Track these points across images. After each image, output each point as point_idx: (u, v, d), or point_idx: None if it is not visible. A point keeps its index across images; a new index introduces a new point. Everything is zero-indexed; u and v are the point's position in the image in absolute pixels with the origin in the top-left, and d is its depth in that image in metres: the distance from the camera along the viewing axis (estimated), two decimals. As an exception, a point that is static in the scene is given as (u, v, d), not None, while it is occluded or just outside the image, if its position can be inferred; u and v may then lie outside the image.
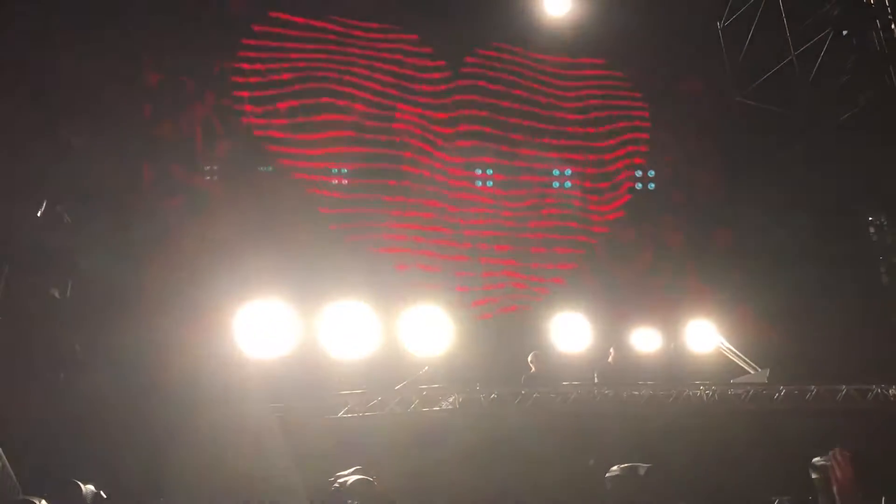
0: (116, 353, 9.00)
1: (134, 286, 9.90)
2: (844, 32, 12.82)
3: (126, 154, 11.28)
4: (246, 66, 13.03)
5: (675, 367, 12.27)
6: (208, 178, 12.42)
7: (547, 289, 13.38)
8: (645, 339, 12.91)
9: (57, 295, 9.09)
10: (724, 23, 14.13)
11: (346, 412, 9.14)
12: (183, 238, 11.55)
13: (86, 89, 10.77)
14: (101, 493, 6.49)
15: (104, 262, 9.70)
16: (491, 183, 14.30)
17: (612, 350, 11.34)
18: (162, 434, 8.13)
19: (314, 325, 11.44)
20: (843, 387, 9.84)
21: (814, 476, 7.04)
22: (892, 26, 12.38)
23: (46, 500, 5.51)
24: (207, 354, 9.64)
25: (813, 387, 9.80)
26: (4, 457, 7.19)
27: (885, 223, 14.72)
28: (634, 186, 15.02)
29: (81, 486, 6.36)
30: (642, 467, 7.21)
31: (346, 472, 7.49)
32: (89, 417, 8.13)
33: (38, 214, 8.96)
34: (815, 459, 7.11)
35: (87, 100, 10.77)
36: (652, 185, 15.12)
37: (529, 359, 10.71)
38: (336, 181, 13.27)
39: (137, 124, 11.84)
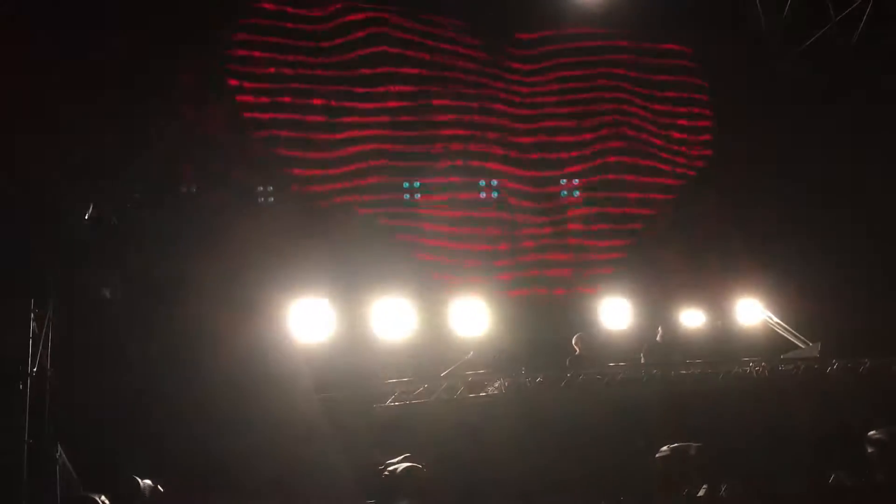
0: (168, 347, 9.18)
1: (183, 282, 10.06)
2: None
3: (169, 150, 11.42)
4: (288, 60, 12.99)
5: (723, 345, 12.11)
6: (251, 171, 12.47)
7: (595, 286, 13.14)
8: (691, 318, 12.75)
9: (108, 294, 9.30)
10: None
11: (393, 400, 9.22)
12: (229, 232, 11.70)
13: (123, 87, 10.91)
14: (159, 486, 6.67)
15: (152, 259, 9.90)
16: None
17: (659, 329, 11.24)
18: (215, 426, 8.29)
19: (360, 319, 11.53)
20: (897, 360, 9.64)
21: (870, 450, 6.95)
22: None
23: (106, 496, 5.67)
24: (257, 345, 9.76)
25: (867, 360, 9.62)
26: (65, 454, 7.41)
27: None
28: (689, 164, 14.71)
29: (140, 480, 6.54)
30: (693, 447, 7.19)
31: (395, 460, 7.59)
32: (145, 413, 8.32)
33: (86, 217, 9.15)
34: (871, 433, 7.01)
35: (126, 97, 10.90)
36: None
37: (574, 341, 10.67)
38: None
39: (179, 119, 11.95)
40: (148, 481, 6.33)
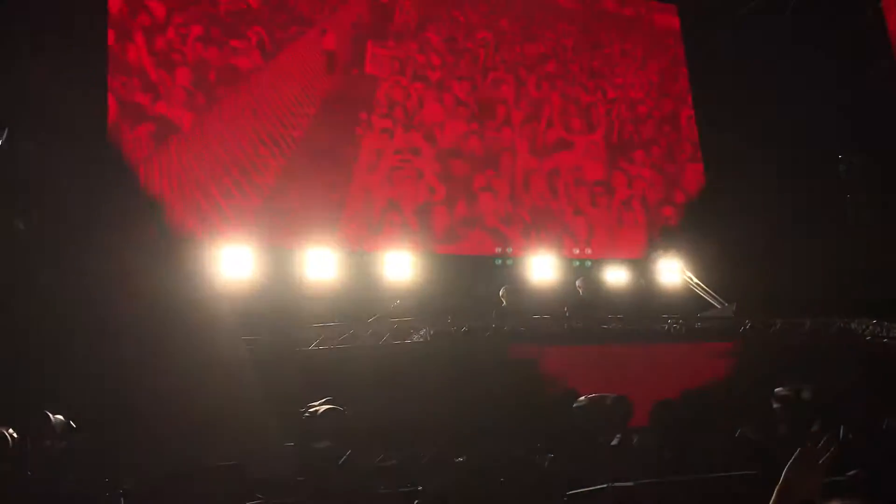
0: (83, 284, 8.88)
1: (100, 217, 9.73)
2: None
3: (90, 83, 10.96)
4: None
5: (644, 302, 12.42)
6: (175, 106, 12.06)
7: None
8: (614, 274, 13.06)
9: (21, 226, 8.92)
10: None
11: (318, 345, 9.17)
12: (150, 168, 11.36)
13: (47, 15, 10.40)
14: (71, 422, 6.48)
15: (68, 192, 9.51)
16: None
17: (578, 283, 11.42)
18: (131, 366, 8.10)
19: (285, 264, 11.45)
20: (807, 320, 10.05)
21: (775, 406, 7.23)
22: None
23: (14, 429, 5.49)
24: (177, 287, 9.55)
25: (777, 321, 10.00)
26: (-29, 388, 7.14)
27: (854, 161, 14.81)
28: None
29: (50, 415, 6.33)
30: (609, 397, 7.36)
31: (316, 403, 7.55)
32: (57, 348, 8.07)
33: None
34: (778, 389, 7.29)
35: (49, 26, 10.40)
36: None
37: (501, 293, 10.77)
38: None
39: (103, 53, 11.47)
40: (60, 416, 6.13)
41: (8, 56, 9.66)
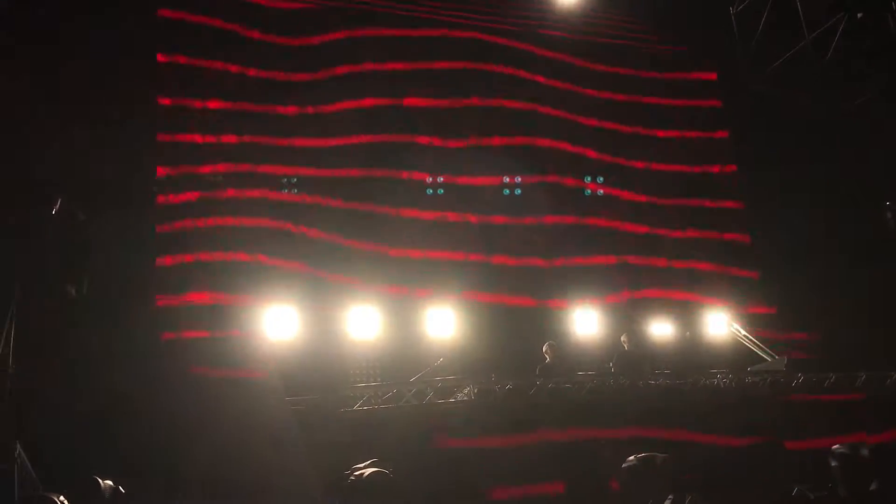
0: (135, 347, 9.05)
1: (150, 281, 9.95)
2: (859, 15, 12.67)
3: (138, 149, 11.31)
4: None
5: (691, 356, 12.21)
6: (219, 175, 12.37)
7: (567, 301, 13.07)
8: (661, 328, 12.87)
9: (74, 292, 9.14)
10: (737, 8, 14.00)
11: (362, 405, 9.17)
12: (196, 233, 11.61)
13: (95, 84, 10.80)
14: (120, 488, 6.53)
15: (119, 257, 9.76)
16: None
17: (623, 338, 11.28)
18: (180, 429, 8.17)
19: (330, 325, 11.55)
20: (862, 373, 9.76)
21: (833, 464, 7.00)
22: (908, 7, 12.24)
23: (65, 497, 5.54)
24: (227, 349, 9.68)
25: (832, 374, 9.73)
26: (24, 453, 7.26)
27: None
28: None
29: (100, 481, 6.40)
30: (659, 457, 7.19)
31: (361, 465, 7.51)
32: (108, 413, 8.18)
33: (53, 212, 8.99)
34: (835, 447, 7.07)
35: (97, 96, 10.79)
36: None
37: (544, 349, 10.69)
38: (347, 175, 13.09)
39: (149, 119, 11.85)
40: (109, 482, 6.18)
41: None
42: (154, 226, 10.91)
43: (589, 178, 14.40)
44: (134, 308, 9.52)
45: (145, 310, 9.57)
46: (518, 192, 13.91)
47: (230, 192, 12.13)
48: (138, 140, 11.04)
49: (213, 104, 12.43)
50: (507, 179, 13.91)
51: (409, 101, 13.56)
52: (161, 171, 11.65)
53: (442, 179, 13.61)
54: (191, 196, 11.87)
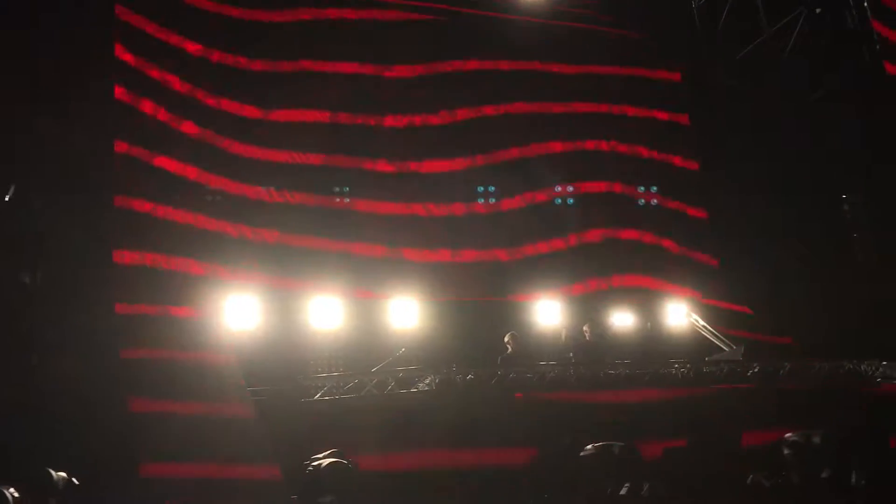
0: (88, 337, 8.88)
1: (105, 271, 9.76)
2: (818, 10, 12.86)
3: (97, 136, 11.08)
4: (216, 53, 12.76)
5: (650, 346, 12.33)
6: (182, 159, 12.17)
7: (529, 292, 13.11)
8: (621, 319, 12.99)
9: (27, 280, 8.95)
10: (698, 2, 14.13)
11: (323, 395, 9.12)
12: (157, 221, 11.44)
13: (54, 71, 10.57)
14: (73, 479, 6.44)
15: (74, 246, 9.56)
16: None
17: (585, 328, 11.35)
18: (135, 419, 8.07)
19: (290, 314, 11.46)
20: (816, 363, 9.94)
21: (786, 452, 7.16)
22: (865, 4, 12.42)
23: (15, 488, 5.45)
24: (182, 339, 9.55)
25: (786, 364, 9.89)
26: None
27: (859, 201, 14.82)
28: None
29: (53, 472, 6.30)
30: (617, 446, 7.30)
31: (321, 455, 7.50)
32: (61, 403, 8.04)
33: (6, 199, 8.81)
34: (788, 435, 7.22)
35: (56, 82, 10.56)
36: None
37: (506, 339, 10.72)
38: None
39: (109, 106, 11.62)
40: (62, 473, 6.10)
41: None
42: (112, 219, 10.67)
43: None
44: (89, 298, 9.32)
45: (101, 300, 9.38)
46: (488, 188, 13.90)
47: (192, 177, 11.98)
48: (97, 128, 10.81)
49: (173, 81, 12.25)
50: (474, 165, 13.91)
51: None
52: (120, 147, 11.40)
53: (407, 168, 13.54)
54: (149, 189, 11.67)
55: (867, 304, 12.54)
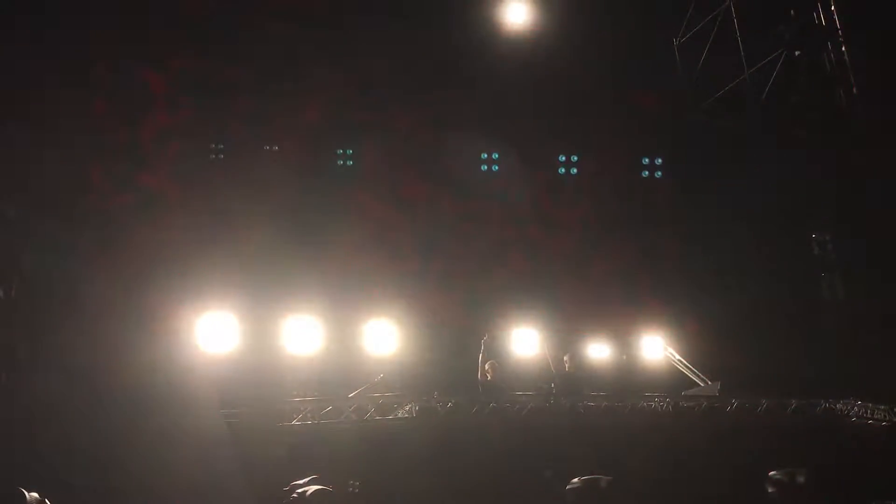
0: (62, 355, 8.63)
1: (81, 287, 9.53)
2: (797, 53, 13.11)
3: (74, 151, 10.90)
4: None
5: (627, 378, 12.35)
6: (159, 176, 12.00)
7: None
8: (598, 350, 12.98)
9: (1, 295, 8.70)
10: (680, 39, 14.33)
11: (300, 420, 8.96)
12: (132, 238, 11.23)
13: (32, 86, 10.40)
14: (46, 500, 6.21)
15: (51, 261, 9.33)
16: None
17: (566, 358, 11.33)
18: (109, 440, 7.83)
19: (268, 335, 11.26)
20: (793, 401, 10.03)
21: (770, 490, 7.14)
22: (843, 48, 12.69)
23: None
24: (157, 358, 9.33)
25: (764, 401, 9.96)
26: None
27: (828, 240, 15.08)
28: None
29: (25, 493, 6.07)
30: (604, 480, 7.21)
31: (302, 482, 7.31)
32: (34, 421, 7.79)
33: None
34: (772, 473, 7.21)
35: (33, 97, 10.39)
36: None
37: (486, 367, 10.66)
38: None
39: (86, 122, 11.44)
40: (35, 494, 5.86)
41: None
42: (88, 228, 10.46)
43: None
44: (65, 312, 9.09)
45: (76, 314, 9.14)
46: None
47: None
48: (75, 139, 10.62)
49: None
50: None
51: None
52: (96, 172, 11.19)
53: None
54: (126, 200, 11.47)
55: (835, 340, 12.75)
